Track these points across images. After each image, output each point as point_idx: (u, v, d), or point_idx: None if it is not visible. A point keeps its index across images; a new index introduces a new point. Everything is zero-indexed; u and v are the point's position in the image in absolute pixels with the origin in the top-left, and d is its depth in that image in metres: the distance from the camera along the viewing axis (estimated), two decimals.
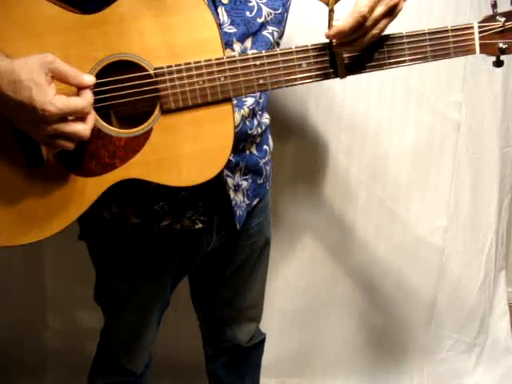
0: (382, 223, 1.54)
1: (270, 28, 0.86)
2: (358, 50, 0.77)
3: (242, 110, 0.87)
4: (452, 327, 1.68)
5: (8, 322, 1.61)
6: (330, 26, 0.73)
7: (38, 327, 1.63)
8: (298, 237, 1.54)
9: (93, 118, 0.73)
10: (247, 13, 0.82)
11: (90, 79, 0.72)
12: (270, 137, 1.06)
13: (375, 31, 0.73)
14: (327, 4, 0.73)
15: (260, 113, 0.96)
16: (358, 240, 1.56)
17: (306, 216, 1.53)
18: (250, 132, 0.92)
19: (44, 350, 1.64)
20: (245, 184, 0.96)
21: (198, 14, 0.74)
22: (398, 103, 1.43)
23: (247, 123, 0.90)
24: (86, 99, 0.71)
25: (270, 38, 0.86)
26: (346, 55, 0.79)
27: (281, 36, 0.92)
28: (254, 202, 1.03)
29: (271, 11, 0.85)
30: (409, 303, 1.63)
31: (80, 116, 0.70)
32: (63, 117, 0.68)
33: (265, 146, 1.02)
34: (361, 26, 0.70)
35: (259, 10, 0.83)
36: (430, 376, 1.69)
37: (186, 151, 0.78)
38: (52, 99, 0.67)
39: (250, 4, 0.82)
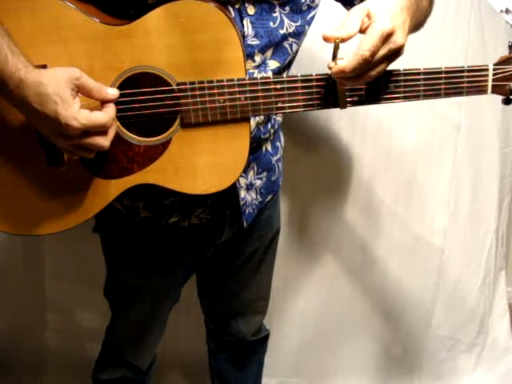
0: (381, 223, 1.54)
1: (290, 39, 0.87)
2: (355, 85, 0.78)
3: (256, 118, 0.88)
4: (452, 327, 1.68)
5: (8, 322, 1.61)
6: (333, 59, 0.75)
7: (38, 327, 1.63)
8: (296, 236, 1.54)
9: (114, 130, 0.75)
10: (271, 23, 0.83)
11: (113, 93, 0.74)
12: (281, 134, 1.07)
13: (373, 73, 0.74)
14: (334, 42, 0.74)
15: (274, 116, 0.97)
16: (358, 240, 1.56)
17: (305, 215, 1.53)
18: (263, 137, 0.94)
19: (44, 350, 1.64)
20: (259, 182, 0.98)
21: (225, 33, 0.76)
22: (398, 103, 1.43)
23: (261, 129, 0.92)
24: (109, 114, 0.73)
25: (289, 49, 0.87)
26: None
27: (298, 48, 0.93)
28: (268, 199, 1.04)
29: (292, 23, 0.85)
30: (409, 303, 1.63)
31: (102, 130, 0.72)
32: (86, 130, 0.70)
33: (277, 143, 1.03)
34: (361, 68, 0.72)
35: (281, 21, 0.84)
36: (430, 376, 1.69)
37: (201, 163, 0.82)
38: (76, 114, 0.68)
39: (274, 14, 0.83)
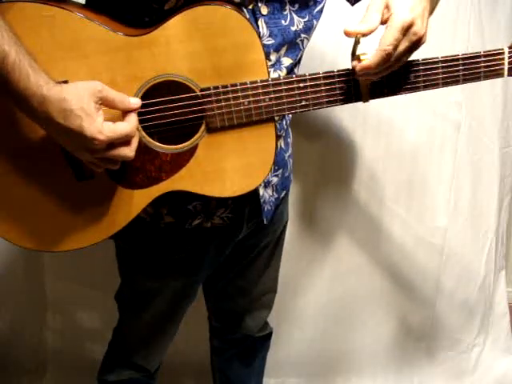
0: (382, 223, 1.54)
1: (302, 36, 0.88)
2: (378, 77, 0.80)
3: None
4: (452, 327, 1.68)
5: (8, 322, 1.61)
6: (353, 54, 0.77)
7: (38, 327, 1.63)
8: (296, 236, 1.54)
9: (137, 139, 0.75)
10: (282, 21, 0.84)
11: (136, 102, 0.74)
12: (290, 130, 1.08)
13: (398, 64, 0.76)
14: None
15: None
16: (357, 240, 1.56)
17: (303, 217, 1.53)
18: (279, 134, 0.95)
19: (44, 350, 1.64)
20: (275, 180, 0.99)
21: (245, 36, 0.76)
22: (398, 103, 1.43)
23: (277, 126, 0.92)
24: (132, 123, 0.73)
25: (300, 45, 0.88)
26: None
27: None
28: (282, 195, 1.06)
29: (300, 19, 0.86)
30: (409, 303, 1.63)
31: (126, 140, 0.72)
32: (111, 143, 0.70)
33: (288, 140, 1.04)
34: (385, 62, 0.73)
35: (292, 18, 0.85)
36: (430, 376, 1.69)
37: (229, 165, 0.82)
38: (101, 127, 0.68)
39: (285, 12, 0.84)
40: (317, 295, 1.60)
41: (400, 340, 1.67)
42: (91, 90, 0.69)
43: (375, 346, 1.67)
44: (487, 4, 1.41)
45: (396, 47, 0.72)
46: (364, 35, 0.73)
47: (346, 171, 1.49)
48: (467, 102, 1.47)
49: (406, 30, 0.72)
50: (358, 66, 0.74)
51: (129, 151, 0.73)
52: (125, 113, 0.73)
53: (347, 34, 0.74)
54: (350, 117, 1.43)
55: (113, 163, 0.74)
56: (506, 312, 1.77)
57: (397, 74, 0.81)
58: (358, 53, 0.77)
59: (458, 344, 1.69)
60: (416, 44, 0.75)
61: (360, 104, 1.40)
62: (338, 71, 0.81)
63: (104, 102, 0.71)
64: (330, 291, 1.60)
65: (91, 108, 0.68)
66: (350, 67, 0.80)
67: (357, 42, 0.75)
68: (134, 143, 0.74)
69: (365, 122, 1.44)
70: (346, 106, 1.39)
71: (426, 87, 0.83)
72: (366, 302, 1.62)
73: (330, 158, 1.47)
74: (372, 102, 1.41)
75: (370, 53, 0.74)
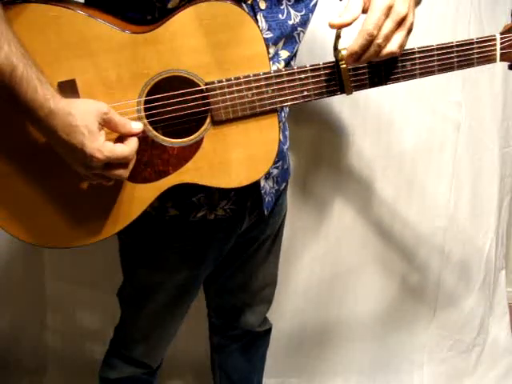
0: (381, 223, 1.54)
1: (299, 29, 0.89)
2: (377, 61, 0.80)
3: None
4: (452, 327, 1.68)
5: (8, 322, 1.61)
6: (335, 49, 0.79)
7: (38, 327, 1.63)
8: (295, 235, 1.54)
9: (134, 161, 0.77)
10: (280, 15, 0.86)
11: (137, 127, 0.76)
12: (287, 124, 1.09)
13: (392, 46, 0.76)
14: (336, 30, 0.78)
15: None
16: (357, 240, 1.56)
17: (303, 216, 1.53)
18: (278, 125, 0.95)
19: (44, 350, 1.64)
20: (275, 171, 1.00)
21: (247, 30, 0.78)
22: (398, 103, 1.44)
23: None
24: (131, 147, 0.75)
25: (297, 37, 0.90)
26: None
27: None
28: (282, 187, 1.07)
29: (297, 13, 0.88)
30: (409, 303, 1.63)
31: (124, 162, 0.75)
32: (108, 162, 0.72)
33: (286, 132, 1.05)
34: (370, 44, 0.74)
35: (288, 12, 0.87)
36: (430, 376, 1.69)
37: (234, 157, 0.84)
38: (101, 146, 0.71)
39: (282, 7, 0.86)
40: (317, 295, 1.60)
41: (400, 339, 1.67)
42: (97, 110, 0.71)
43: (375, 347, 1.67)
44: (487, 4, 1.41)
45: (379, 28, 0.73)
46: (348, 25, 0.74)
47: (346, 171, 1.49)
48: (467, 102, 1.47)
49: (388, 10, 0.73)
50: (345, 54, 0.76)
51: (124, 172, 0.75)
52: (126, 136, 0.76)
53: (332, 27, 0.75)
54: (349, 116, 1.43)
55: (106, 180, 0.76)
56: (506, 312, 1.77)
57: (394, 62, 0.83)
58: (339, 47, 0.79)
59: (458, 344, 1.70)
60: (401, 22, 0.75)
61: (360, 103, 1.42)
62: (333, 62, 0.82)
63: (107, 125, 0.73)
64: (330, 291, 1.60)
65: (95, 127, 0.71)
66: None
67: (338, 37, 0.77)
68: (131, 165, 0.76)
69: (364, 122, 1.44)
70: (345, 105, 1.41)
71: (422, 74, 0.85)
72: (366, 301, 1.62)
73: (328, 158, 1.47)
74: (372, 101, 1.43)
75: (353, 38, 0.75)
